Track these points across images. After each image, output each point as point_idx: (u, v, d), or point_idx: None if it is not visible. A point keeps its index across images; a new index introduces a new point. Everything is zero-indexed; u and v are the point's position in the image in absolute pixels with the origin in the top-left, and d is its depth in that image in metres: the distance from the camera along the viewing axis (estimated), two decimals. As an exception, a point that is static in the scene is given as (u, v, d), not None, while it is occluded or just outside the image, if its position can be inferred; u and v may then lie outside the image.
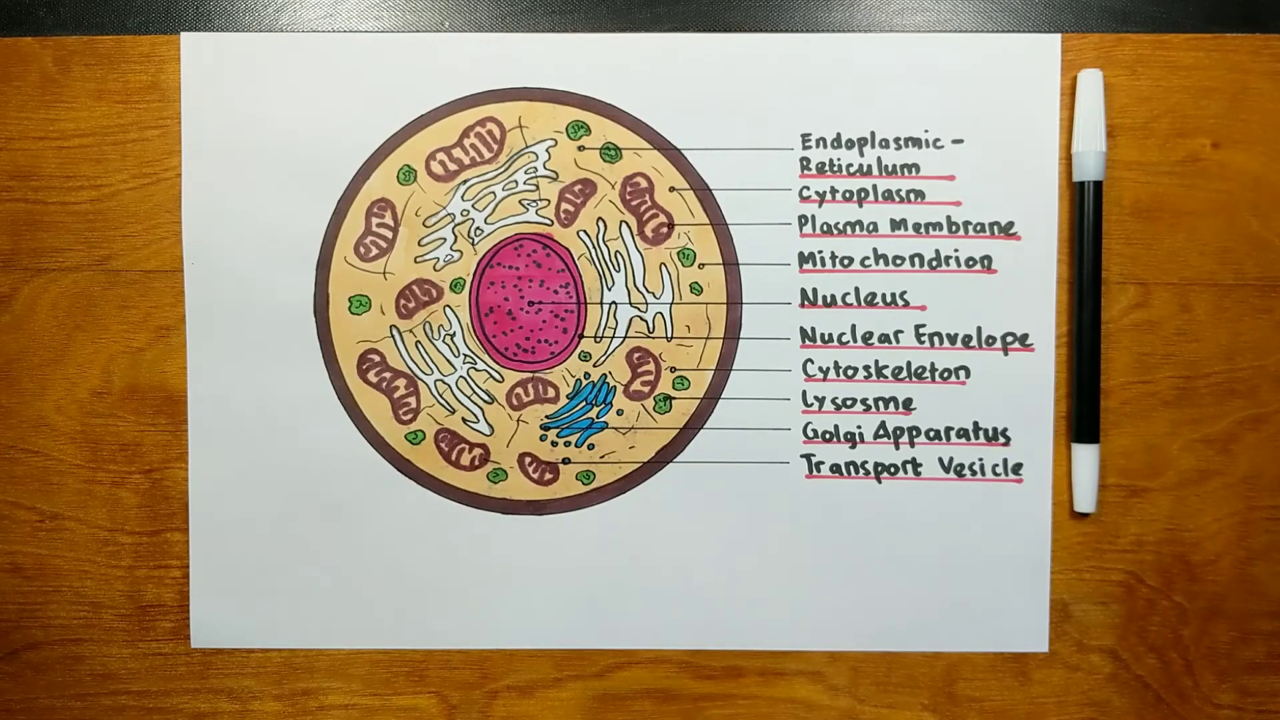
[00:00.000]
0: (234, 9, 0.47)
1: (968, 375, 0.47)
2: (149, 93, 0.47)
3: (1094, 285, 0.45)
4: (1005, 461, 0.47)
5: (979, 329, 0.47)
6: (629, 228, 0.47)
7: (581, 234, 0.47)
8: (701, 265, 0.47)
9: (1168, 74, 0.46)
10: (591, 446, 0.47)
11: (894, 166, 0.46)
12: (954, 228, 0.46)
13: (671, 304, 0.47)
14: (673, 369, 0.47)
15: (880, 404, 0.47)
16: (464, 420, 0.47)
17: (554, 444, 0.47)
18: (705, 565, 0.47)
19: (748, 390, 0.47)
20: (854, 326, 0.47)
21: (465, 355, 0.47)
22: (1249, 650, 0.47)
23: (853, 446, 0.47)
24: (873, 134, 0.46)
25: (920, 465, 0.47)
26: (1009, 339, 0.47)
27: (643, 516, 0.47)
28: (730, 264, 0.47)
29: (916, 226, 0.47)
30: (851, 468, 0.47)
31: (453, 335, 0.47)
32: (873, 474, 0.47)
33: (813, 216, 0.47)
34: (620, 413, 0.47)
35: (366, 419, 0.47)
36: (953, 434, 0.47)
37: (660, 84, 0.46)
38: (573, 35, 0.46)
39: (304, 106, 0.46)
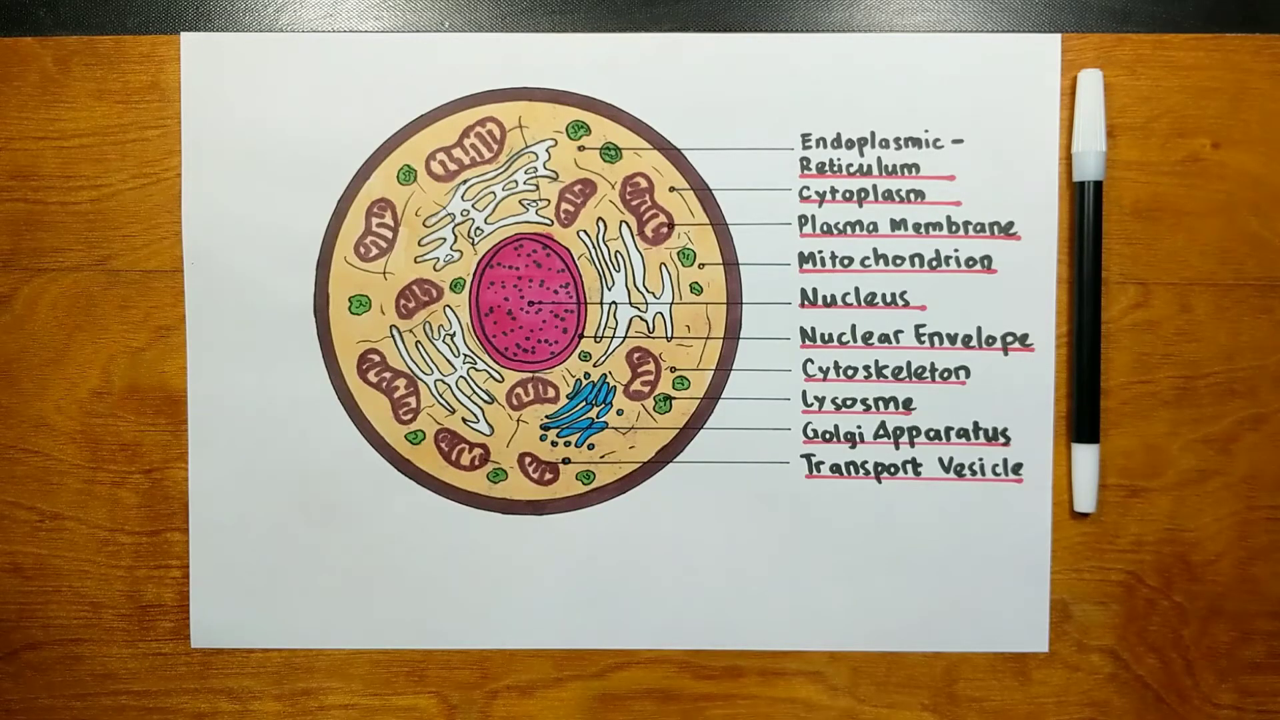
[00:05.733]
0: (234, 9, 0.47)
1: (968, 375, 0.47)
2: (149, 93, 0.47)
3: (1094, 285, 0.45)
4: (1005, 461, 0.47)
5: (979, 329, 0.47)
6: (629, 228, 0.47)
7: (581, 234, 0.47)
8: (701, 265, 0.47)
9: (1168, 74, 0.46)
10: (591, 446, 0.47)
11: (894, 166, 0.46)
12: (954, 228, 0.46)
13: (671, 304, 0.47)
14: (673, 369, 0.47)
15: (880, 404, 0.47)
16: (464, 420, 0.47)
17: (554, 444, 0.47)
18: (705, 565, 0.47)
19: (748, 390, 0.47)
20: (854, 326, 0.47)
21: (465, 355, 0.47)
22: (1249, 650, 0.47)
23: (853, 446, 0.47)
24: (873, 134, 0.46)
25: (920, 465, 0.47)
26: (1009, 339, 0.47)
27: (643, 516, 0.47)
28: (730, 264, 0.47)
29: (916, 226, 0.47)
30: (851, 468, 0.47)
31: (453, 335, 0.47)
32: (873, 474, 0.47)
33: (813, 216, 0.47)
34: (620, 413, 0.47)
35: (366, 419, 0.47)
36: (953, 434, 0.47)
37: (660, 84, 0.46)
38: (573, 35, 0.46)
39: (304, 106, 0.46)
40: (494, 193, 0.47)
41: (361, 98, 0.46)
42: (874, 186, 0.47)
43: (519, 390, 0.47)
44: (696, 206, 0.47)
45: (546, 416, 0.47)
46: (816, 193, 0.47)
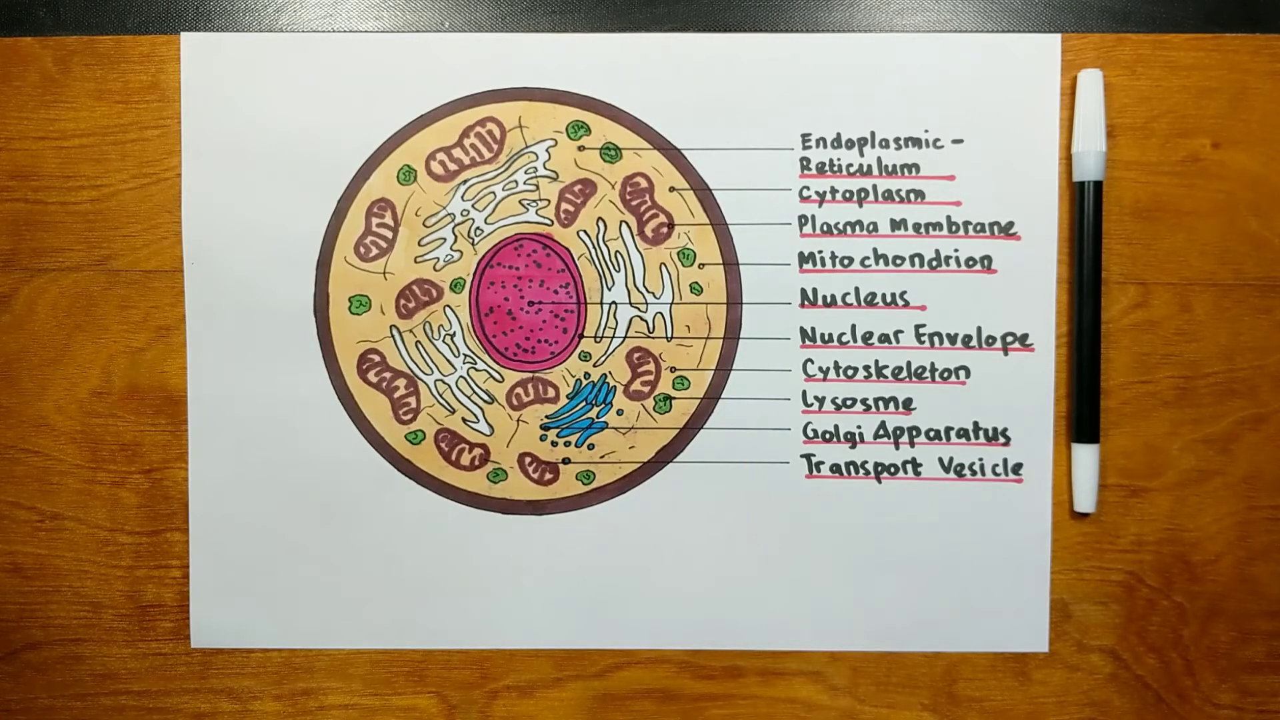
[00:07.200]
0: (234, 9, 0.47)
1: (968, 375, 0.47)
2: (149, 93, 0.47)
3: (1094, 285, 0.45)
4: (1005, 461, 0.47)
5: (979, 329, 0.47)
6: (629, 228, 0.47)
7: (581, 234, 0.47)
8: (701, 265, 0.47)
9: (1168, 74, 0.46)
10: (591, 446, 0.47)
11: (894, 166, 0.46)
12: (954, 228, 0.46)
13: (671, 304, 0.47)
14: (673, 369, 0.47)
15: (880, 404, 0.47)
16: (464, 420, 0.47)
17: (554, 444, 0.47)
18: (705, 565, 0.47)
19: (748, 390, 0.47)
20: (854, 326, 0.47)
21: (465, 355, 0.47)
22: (1249, 650, 0.47)
23: (853, 446, 0.47)
24: (873, 134, 0.46)
25: (920, 465, 0.47)
26: (1009, 339, 0.47)
27: (643, 516, 0.47)
28: (730, 264, 0.47)
29: (916, 226, 0.47)
30: (851, 468, 0.47)
31: (453, 335, 0.47)
32: (873, 474, 0.47)
33: (813, 216, 0.47)
34: (620, 413, 0.47)
35: (366, 419, 0.47)
36: (953, 434, 0.47)
37: (660, 84, 0.46)
38: (573, 35, 0.46)
39: (304, 106, 0.46)
40: (494, 193, 0.47)
41: (361, 98, 0.46)
42: (874, 186, 0.47)
43: (519, 390, 0.47)
44: (696, 206, 0.47)
45: (546, 416, 0.47)
46: (816, 193, 0.47)
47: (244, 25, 0.47)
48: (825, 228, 0.47)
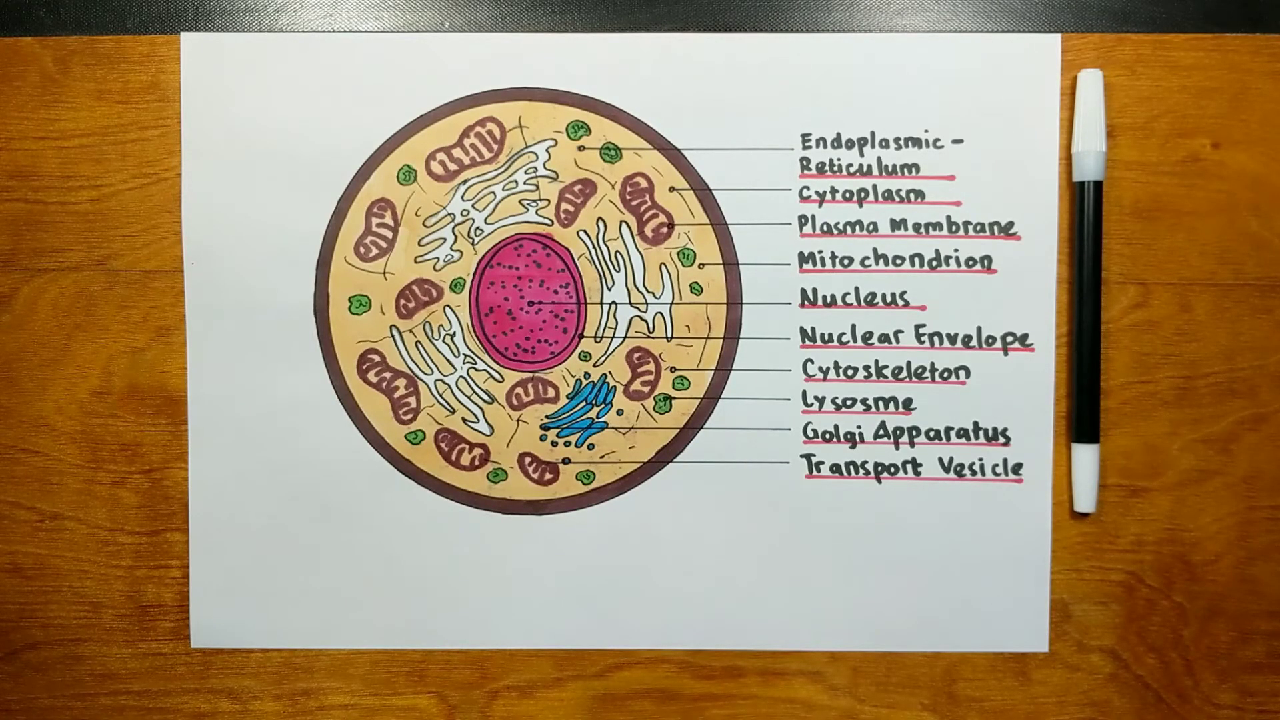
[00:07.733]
0: (234, 9, 0.47)
1: (968, 375, 0.47)
2: (149, 93, 0.47)
3: (1094, 285, 0.45)
4: (1005, 461, 0.47)
5: (979, 329, 0.47)
6: (629, 228, 0.47)
7: (581, 234, 0.47)
8: (701, 265, 0.47)
9: (1168, 74, 0.46)
10: (591, 446, 0.47)
11: (894, 166, 0.46)
12: (954, 228, 0.46)
13: (671, 304, 0.47)
14: (673, 369, 0.47)
15: (880, 404, 0.47)
16: (464, 420, 0.47)
17: (554, 444, 0.47)
18: (705, 565, 0.47)
19: (748, 390, 0.47)
20: (854, 326, 0.47)
21: (465, 355, 0.47)
22: (1249, 650, 0.47)
23: (853, 446, 0.47)
24: (873, 134, 0.46)
25: (920, 465, 0.47)
26: (1009, 339, 0.47)
27: (643, 516, 0.47)
28: (730, 264, 0.47)
29: (916, 226, 0.47)
30: (851, 468, 0.47)
31: (453, 335, 0.47)
32: (873, 474, 0.47)
33: (813, 216, 0.47)
34: (620, 413, 0.47)
35: (366, 419, 0.47)
36: (953, 434, 0.47)
37: (660, 84, 0.46)
38: (573, 35, 0.46)
39: (304, 106, 0.46)
40: (494, 193, 0.47)
41: (361, 98, 0.46)
42: (874, 186, 0.47)
43: (519, 390, 0.47)
44: (696, 206, 0.47)
45: (546, 416, 0.47)
46: (816, 193, 0.47)
47: (244, 25, 0.47)
48: (825, 228, 0.47)
